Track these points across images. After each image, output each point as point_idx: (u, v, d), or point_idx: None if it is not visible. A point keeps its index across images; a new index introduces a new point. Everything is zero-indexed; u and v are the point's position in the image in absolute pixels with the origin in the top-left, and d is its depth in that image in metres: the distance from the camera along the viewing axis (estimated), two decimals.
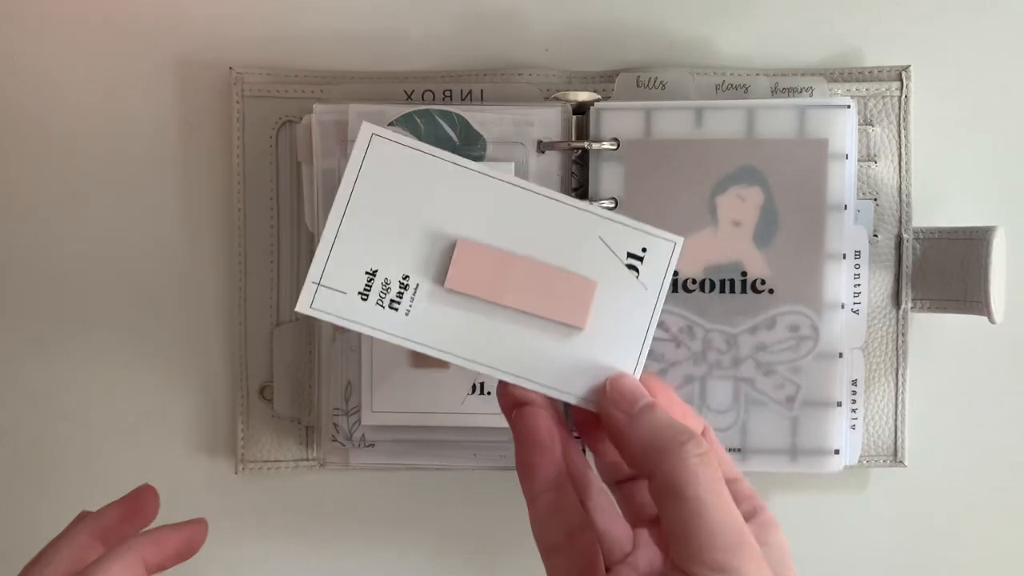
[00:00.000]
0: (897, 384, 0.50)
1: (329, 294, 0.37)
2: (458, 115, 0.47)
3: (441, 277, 0.37)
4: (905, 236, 0.50)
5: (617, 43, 0.51)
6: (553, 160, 0.48)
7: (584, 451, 0.41)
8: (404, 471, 0.51)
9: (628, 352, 0.37)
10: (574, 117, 0.48)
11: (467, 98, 0.49)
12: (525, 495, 0.36)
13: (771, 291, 0.47)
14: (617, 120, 0.47)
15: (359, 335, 0.47)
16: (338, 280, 0.37)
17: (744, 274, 0.47)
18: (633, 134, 0.47)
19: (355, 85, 0.50)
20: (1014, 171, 0.51)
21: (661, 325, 0.47)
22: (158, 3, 0.51)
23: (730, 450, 0.47)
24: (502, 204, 0.37)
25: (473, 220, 0.37)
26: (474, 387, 0.48)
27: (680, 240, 0.37)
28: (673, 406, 0.36)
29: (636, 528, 0.37)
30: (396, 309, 0.37)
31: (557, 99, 0.49)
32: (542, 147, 0.47)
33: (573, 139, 0.48)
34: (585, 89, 0.49)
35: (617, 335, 0.37)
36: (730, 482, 0.35)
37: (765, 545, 0.34)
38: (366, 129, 0.37)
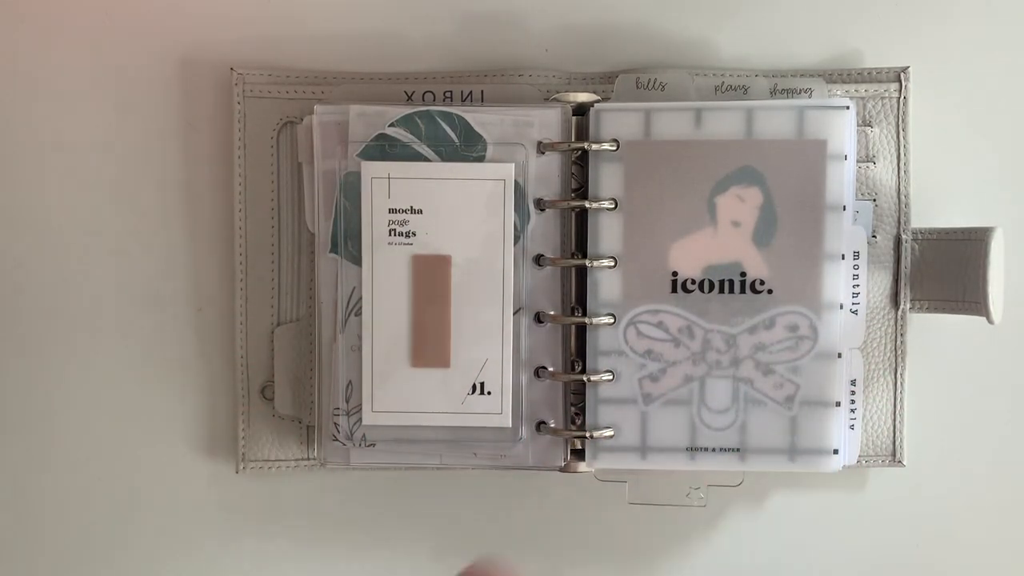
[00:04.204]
0: (896, 384, 0.50)
1: None
2: (458, 116, 0.48)
3: None
4: (904, 237, 0.50)
5: (617, 44, 0.51)
6: (553, 161, 0.48)
7: None
8: (405, 471, 0.51)
9: None
10: (574, 118, 0.48)
11: (467, 99, 0.49)
12: None
13: (770, 291, 0.47)
14: (617, 121, 0.47)
15: (359, 334, 0.48)
16: None
17: (743, 274, 0.47)
18: (633, 135, 0.47)
19: (356, 86, 0.50)
20: (1012, 172, 0.51)
21: (661, 325, 0.47)
22: (160, 4, 0.51)
23: (729, 450, 0.47)
24: None
25: None
26: (474, 387, 0.48)
27: None
28: None
29: None
30: None
31: (557, 100, 0.49)
32: (542, 148, 0.48)
33: (573, 140, 0.48)
34: (585, 90, 0.49)
35: None
36: None
37: None
38: None
